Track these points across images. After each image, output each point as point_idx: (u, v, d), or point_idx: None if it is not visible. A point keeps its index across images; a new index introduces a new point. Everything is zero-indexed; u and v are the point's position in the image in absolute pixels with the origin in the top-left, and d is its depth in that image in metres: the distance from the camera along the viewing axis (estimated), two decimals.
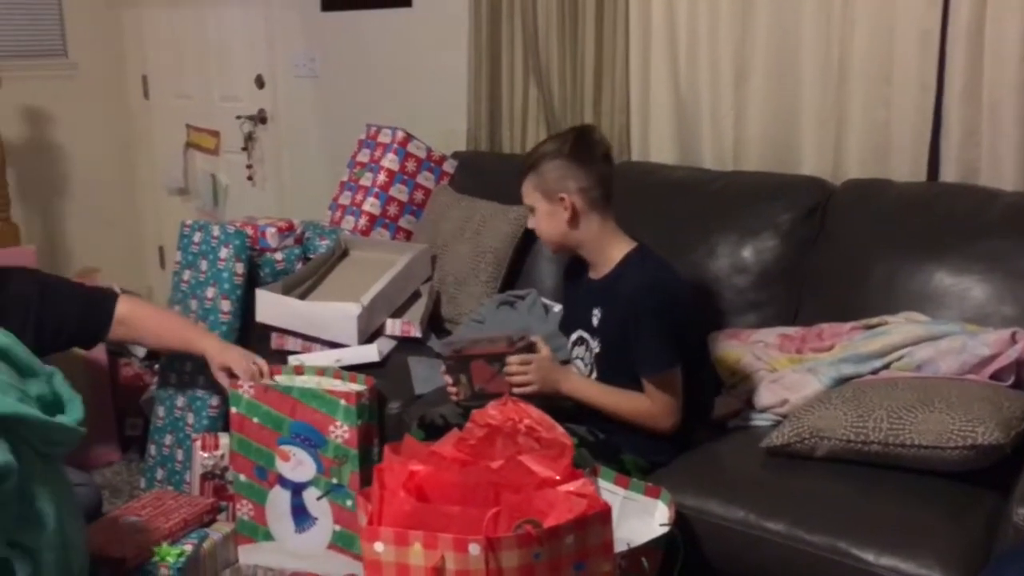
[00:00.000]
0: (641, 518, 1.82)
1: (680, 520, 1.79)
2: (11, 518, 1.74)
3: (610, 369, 2.05)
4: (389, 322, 2.66)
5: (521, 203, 2.17)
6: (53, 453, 1.89)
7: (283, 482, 2.37)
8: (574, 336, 2.15)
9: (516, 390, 1.95)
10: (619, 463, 1.94)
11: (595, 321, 2.06)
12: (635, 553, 1.65)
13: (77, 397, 2.00)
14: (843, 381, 2.04)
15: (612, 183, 2.08)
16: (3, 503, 1.71)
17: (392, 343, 2.66)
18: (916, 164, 2.45)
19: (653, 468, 1.98)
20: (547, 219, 2.06)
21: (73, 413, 1.96)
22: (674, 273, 2.04)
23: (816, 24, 2.53)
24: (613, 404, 1.99)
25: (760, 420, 2.11)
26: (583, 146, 2.03)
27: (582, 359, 2.11)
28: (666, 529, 1.72)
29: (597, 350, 2.06)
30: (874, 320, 2.16)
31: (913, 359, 2.02)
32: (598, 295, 2.06)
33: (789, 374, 2.12)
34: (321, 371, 2.46)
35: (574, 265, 2.22)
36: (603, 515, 1.46)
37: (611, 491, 1.85)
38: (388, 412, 2.43)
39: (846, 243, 2.36)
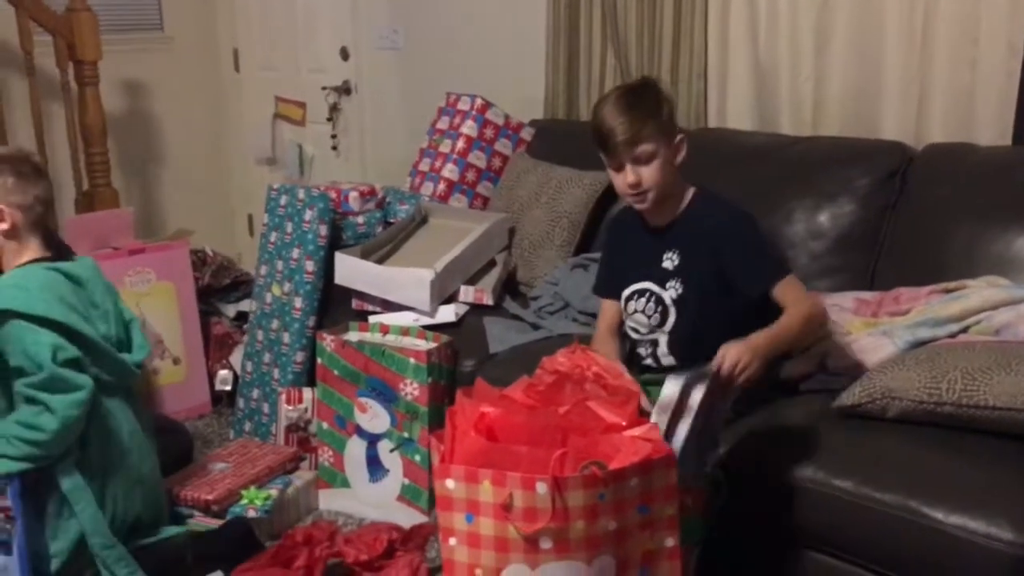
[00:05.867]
0: None
1: (748, 476, 1.81)
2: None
3: (699, 307, 2.00)
4: (463, 289, 2.71)
5: (595, 169, 2.09)
6: (108, 384, 2.05)
7: (360, 432, 2.46)
8: (632, 289, 2.09)
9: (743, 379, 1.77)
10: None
11: (670, 265, 2.03)
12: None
13: (146, 347, 2.19)
14: (919, 345, 2.01)
15: None
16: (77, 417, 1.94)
17: (465, 308, 2.72)
18: (1001, 128, 2.39)
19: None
20: (668, 165, 1.96)
21: (136, 355, 2.14)
22: None
23: None
24: (794, 331, 1.88)
25: (833, 383, 2.09)
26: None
27: (643, 311, 2.07)
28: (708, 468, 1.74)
29: (679, 291, 2.02)
30: (953, 284, 2.12)
31: (992, 323, 1.99)
32: (670, 240, 2.04)
33: (864, 337, 2.10)
34: (406, 330, 2.54)
35: (623, 220, 2.18)
36: (667, 459, 1.48)
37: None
38: (462, 370, 2.49)
39: (926, 208, 2.33)
